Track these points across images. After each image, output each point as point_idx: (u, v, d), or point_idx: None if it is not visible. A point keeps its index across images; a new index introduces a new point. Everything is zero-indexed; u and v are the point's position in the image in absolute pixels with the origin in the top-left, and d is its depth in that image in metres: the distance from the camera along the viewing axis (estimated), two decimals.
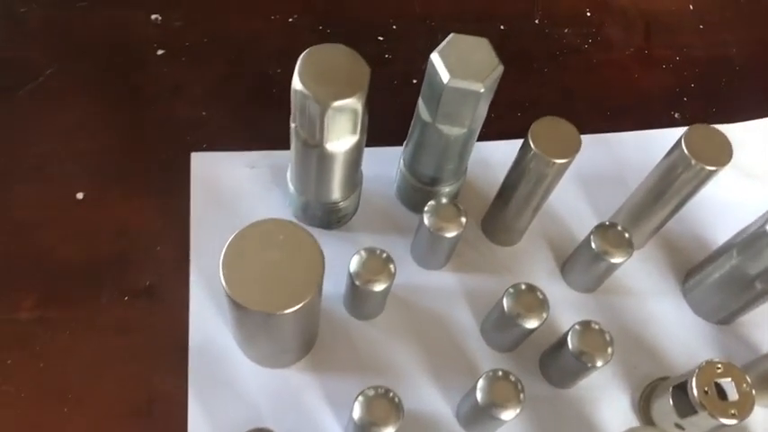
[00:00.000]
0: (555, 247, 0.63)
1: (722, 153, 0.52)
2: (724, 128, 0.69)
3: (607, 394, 0.58)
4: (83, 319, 0.56)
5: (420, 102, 0.53)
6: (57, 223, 0.60)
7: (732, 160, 0.67)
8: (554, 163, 0.51)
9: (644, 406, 0.57)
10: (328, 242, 0.60)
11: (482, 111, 0.52)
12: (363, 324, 0.58)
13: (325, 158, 0.51)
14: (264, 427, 0.51)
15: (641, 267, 0.63)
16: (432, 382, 0.57)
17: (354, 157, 0.53)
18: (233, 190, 0.62)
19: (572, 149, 0.51)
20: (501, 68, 0.49)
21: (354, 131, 0.50)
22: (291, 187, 0.58)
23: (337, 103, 0.46)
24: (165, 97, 0.66)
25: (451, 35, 0.50)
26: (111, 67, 0.67)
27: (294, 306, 0.45)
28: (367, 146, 0.64)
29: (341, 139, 0.50)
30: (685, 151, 0.52)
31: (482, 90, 0.48)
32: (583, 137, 0.67)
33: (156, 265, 0.59)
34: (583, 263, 0.58)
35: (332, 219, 0.60)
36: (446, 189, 0.60)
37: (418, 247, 0.60)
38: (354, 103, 0.47)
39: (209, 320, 0.57)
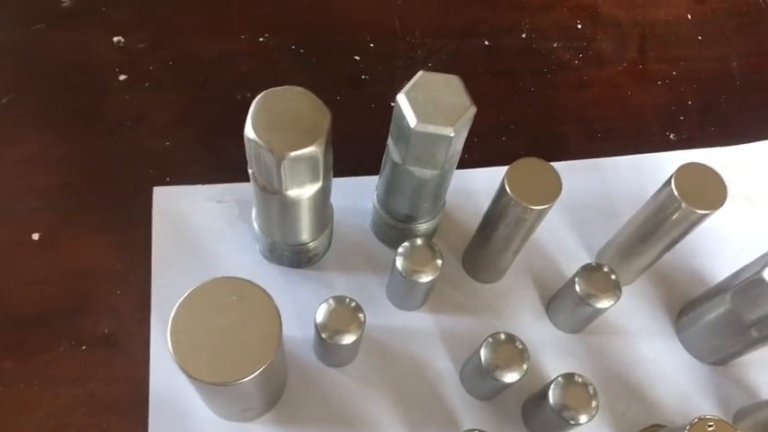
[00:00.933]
0: (540, 285, 0.59)
1: (716, 195, 0.49)
2: (723, 150, 0.65)
3: None
4: (39, 370, 0.53)
5: (390, 141, 0.49)
6: (11, 267, 0.56)
7: (730, 186, 0.64)
8: (532, 209, 0.47)
9: None
10: (298, 282, 0.58)
11: (455, 151, 0.48)
12: (334, 372, 0.55)
13: (286, 205, 0.48)
14: None
15: (632, 305, 0.59)
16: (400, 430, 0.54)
17: (320, 201, 0.50)
18: (197, 227, 0.59)
19: (552, 195, 0.47)
20: (473, 110, 0.45)
21: (316, 179, 0.46)
22: (256, 227, 0.55)
23: (294, 154, 0.42)
24: (126, 126, 0.62)
25: (420, 73, 0.46)
26: (71, 95, 0.63)
27: (249, 375, 0.42)
28: (342, 175, 0.61)
29: (302, 186, 0.46)
30: (675, 193, 0.48)
31: (452, 134, 0.44)
32: (572, 162, 0.64)
33: (115, 310, 0.55)
34: (567, 305, 0.55)
35: (301, 258, 0.56)
36: (422, 226, 0.56)
37: (393, 289, 0.56)
38: (313, 152, 0.43)
39: (170, 371, 0.53)
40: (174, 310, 0.43)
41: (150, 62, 0.65)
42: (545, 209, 0.48)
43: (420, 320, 0.58)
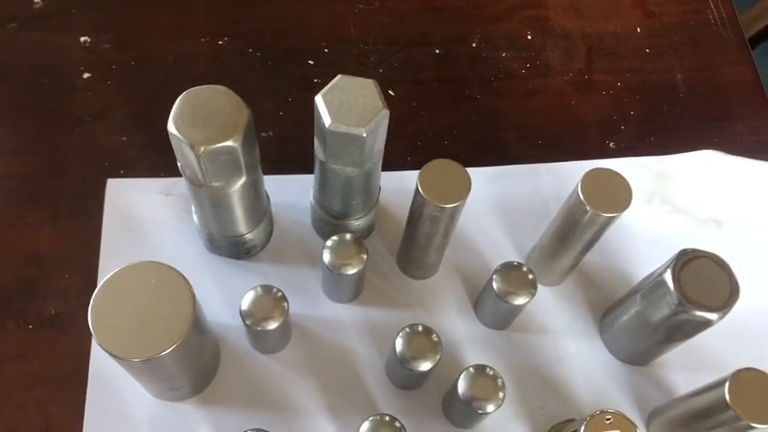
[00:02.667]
0: (470, 283, 0.62)
1: (621, 199, 0.51)
2: (656, 159, 0.68)
3: None
4: None
5: (315, 140, 0.52)
6: None
7: (662, 193, 0.66)
8: (444, 208, 0.50)
9: None
10: (237, 273, 0.61)
11: (373, 152, 0.51)
12: (266, 358, 0.58)
13: (215, 197, 0.51)
14: None
15: (558, 305, 0.62)
16: (330, 419, 0.56)
17: (249, 195, 0.53)
18: (145, 218, 0.62)
19: (462, 193, 0.50)
20: (386, 112, 0.48)
21: (239, 173, 0.49)
22: (195, 219, 0.58)
23: (211, 148, 0.46)
24: (87, 122, 0.66)
25: (339, 77, 0.49)
26: (36, 91, 0.67)
27: (163, 351, 0.45)
28: (288, 172, 0.65)
29: (227, 180, 0.49)
30: (581, 197, 0.51)
31: (365, 134, 0.47)
32: (508, 167, 0.67)
33: (63, 293, 0.59)
34: (489, 302, 0.57)
35: (240, 250, 0.60)
36: (356, 223, 0.59)
37: (325, 281, 0.59)
38: (230, 146, 0.46)
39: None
40: (95, 292, 0.46)
41: (114, 62, 0.69)
42: (456, 207, 0.50)
43: (352, 313, 0.60)
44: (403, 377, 0.56)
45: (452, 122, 0.69)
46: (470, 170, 0.65)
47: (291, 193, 0.64)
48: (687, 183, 0.66)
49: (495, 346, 0.60)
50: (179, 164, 0.50)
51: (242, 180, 0.50)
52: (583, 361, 0.60)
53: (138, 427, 0.55)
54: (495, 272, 0.55)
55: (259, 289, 0.53)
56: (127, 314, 0.46)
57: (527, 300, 0.55)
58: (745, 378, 0.48)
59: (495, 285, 0.55)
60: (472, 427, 0.57)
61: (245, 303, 0.53)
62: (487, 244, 0.64)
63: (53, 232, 0.61)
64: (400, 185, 0.64)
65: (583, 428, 0.50)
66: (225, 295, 0.59)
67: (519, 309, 0.56)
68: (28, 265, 0.60)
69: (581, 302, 0.62)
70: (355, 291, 0.60)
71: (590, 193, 0.51)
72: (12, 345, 0.57)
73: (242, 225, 0.56)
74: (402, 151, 0.67)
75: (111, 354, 0.45)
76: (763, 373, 0.48)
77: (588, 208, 0.51)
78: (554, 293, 0.62)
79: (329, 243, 0.55)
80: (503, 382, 0.52)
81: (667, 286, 0.50)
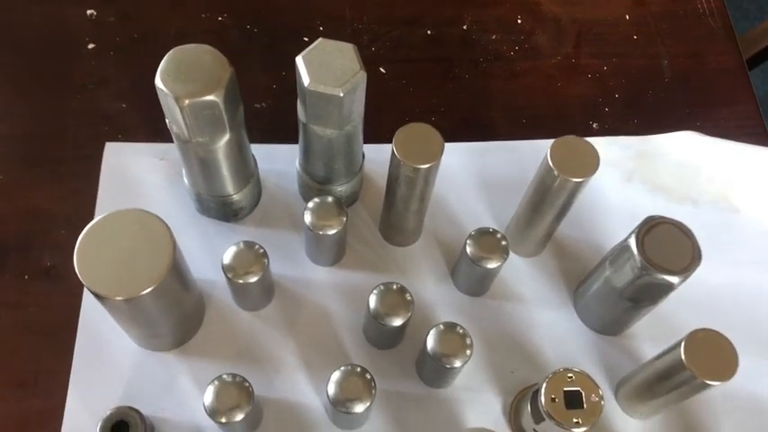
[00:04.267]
0: (448, 252, 0.64)
1: (588, 164, 0.53)
2: (637, 139, 0.69)
3: (480, 397, 0.59)
4: None
5: (298, 102, 0.55)
6: None
7: (641, 171, 0.68)
8: (418, 169, 0.52)
9: (515, 410, 0.58)
10: (224, 234, 0.63)
11: (351, 114, 0.53)
12: (248, 315, 0.61)
13: (200, 153, 0.54)
14: (130, 406, 0.54)
15: (533, 275, 0.64)
16: (307, 374, 0.59)
17: (234, 154, 0.55)
18: (140, 180, 0.65)
19: (435, 155, 0.52)
20: (363, 74, 0.50)
21: (223, 129, 0.52)
22: (186, 181, 0.61)
23: (193, 101, 0.48)
24: (89, 89, 0.69)
25: (319, 40, 0.51)
26: (42, 58, 0.70)
27: (143, 291, 0.48)
28: (279, 142, 0.67)
29: (210, 136, 0.52)
30: (550, 163, 0.53)
31: (341, 94, 0.50)
32: (490, 143, 0.69)
33: (59, 247, 0.62)
34: (464, 267, 0.59)
35: (227, 211, 0.62)
36: (339, 188, 0.62)
37: (307, 244, 0.62)
38: (212, 101, 0.49)
39: (99, 308, 0.59)
40: (81, 235, 0.49)
41: (117, 34, 0.72)
42: (429, 168, 0.52)
43: (333, 276, 0.63)
44: (377, 334, 0.58)
45: (440, 100, 0.71)
46: (454, 145, 0.68)
47: (280, 161, 0.66)
48: (666, 162, 0.68)
49: (471, 311, 0.62)
50: (167, 120, 0.53)
51: (226, 137, 0.53)
52: (555, 329, 0.62)
53: (122, 374, 0.58)
54: (469, 237, 0.57)
55: (241, 244, 0.56)
56: (111, 256, 0.49)
57: (499, 264, 0.57)
58: (700, 338, 0.49)
59: (468, 250, 0.57)
60: (443, 386, 0.59)
61: (227, 257, 0.56)
62: (468, 215, 0.66)
63: (52, 190, 0.64)
64: (386, 158, 0.66)
65: (544, 384, 0.52)
66: (212, 255, 0.62)
67: (492, 273, 0.58)
68: (27, 220, 0.63)
69: (556, 274, 0.64)
70: (336, 254, 0.62)
71: (559, 160, 0.53)
72: (8, 294, 0.60)
73: (228, 185, 0.59)
74: (390, 126, 0.68)
75: (95, 293, 0.48)
76: (717, 332, 0.49)
77: (557, 173, 0.53)
78: (530, 264, 0.64)
79: (310, 205, 0.58)
80: (471, 341, 0.54)
81: (631, 251, 0.52)
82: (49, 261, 0.61)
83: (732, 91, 0.74)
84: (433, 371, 0.56)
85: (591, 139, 0.68)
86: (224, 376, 0.52)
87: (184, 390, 0.57)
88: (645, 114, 0.72)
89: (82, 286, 0.60)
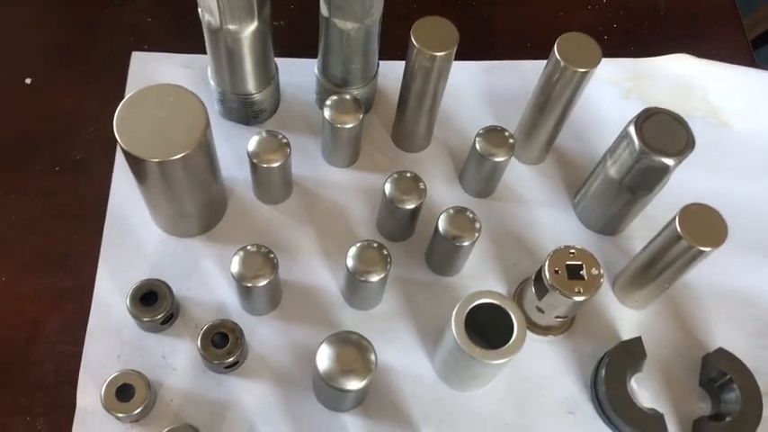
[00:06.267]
0: (456, 158, 0.68)
1: (591, 57, 0.57)
2: (634, 60, 0.74)
3: (485, 284, 0.62)
4: (14, 184, 0.63)
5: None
6: (5, 103, 0.67)
7: (637, 90, 0.72)
8: (434, 56, 0.56)
9: (518, 295, 0.62)
10: (246, 136, 0.66)
11: (372, 6, 0.57)
12: (269, 208, 0.64)
13: (229, 43, 0.57)
14: (159, 279, 0.57)
15: (537, 180, 0.68)
16: (323, 261, 0.62)
17: (259, 45, 0.59)
18: None
19: (451, 43, 0.56)
20: None
21: (252, 16, 0.56)
22: (211, 81, 0.64)
23: None
24: (115, 5, 0.72)
25: None
26: None
27: (178, 154, 0.51)
28: (293, 56, 0.71)
29: (240, 23, 0.56)
30: (557, 55, 0.57)
31: None
32: (496, 62, 0.73)
33: (87, 143, 0.65)
34: (472, 165, 0.63)
35: (248, 113, 0.66)
36: (355, 92, 0.65)
37: (325, 143, 0.65)
38: None
39: (128, 191, 0.63)
40: (121, 104, 0.53)
41: None
42: (445, 55, 0.56)
43: (348, 176, 0.66)
44: (391, 220, 0.61)
45: None
46: (462, 63, 0.72)
47: (298, 74, 0.70)
48: (661, 81, 0.72)
49: (477, 211, 0.64)
50: (199, 10, 0.56)
51: (254, 25, 0.56)
52: (556, 229, 0.66)
53: (149, 256, 0.61)
54: (478, 134, 0.61)
55: (264, 133, 0.60)
56: (147, 125, 0.52)
57: (505, 158, 0.61)
58: (692, 211, 0.53)
59: (477, 145, 0.61)
60: (451, 273, 0.62)
61: (252, 144, 0.59)
62: (474, 126, 0.68)
63: (82, 93, 0.68)
64: (397, 74, 0.70)
65: (548, 258, 0.55)
66: (234, 154, 0.65)
67: (499, 168, 0.62)
68: (58, 118, 0.66)
69: (558, 180, 0.68)
70: (351, 154, 0.66)
71: (565, 53, 0.57)
72: (39, 183, 0.63)
73: (251, 83, 0.62)
74: (400, 45, 0.72)
75: (132, 156, 0.51)
76: (708, 206, 0.53)
77: (563, 64, 0.56)
78: (533, 171, 0.68)
79: (329, 102, 0.61)
80: (480, 225, 0.58)
81: (631, 137, 0.56)
82: (78, 155, 0.65)
83: (725, 28, 0.78)
84: (444, 253, 0.60)
85: None
86: (249, 247, 0.55)
87: (208, 271, 0.61)
88: (641, 43, 0.76)
89: (110, 176, 0.64)
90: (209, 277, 0.61)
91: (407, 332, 0.60)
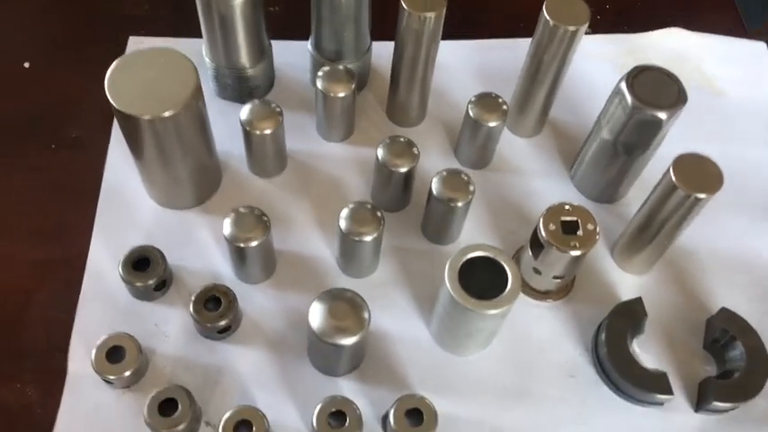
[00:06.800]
0: (451, 133, 0.68)
1: (580, 15, 0.57)
2: (628, 36, 0.74)
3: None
4: (11, 161, 0.64)
5: None
6: (4, 85, 0.67)
7: (632, 65, 0.72)
8: (424, 18, 0.57)
9: (515, 261, 0.61)
10: (239, 111, 0.67)
11: None
12: (263, 181, 0.64)
13: (221, 10, 0.58)
14: (152, 245, 0.57)
15: (533, 152, 0.67)
16: (318, 231, 0.62)
17: (251, 15, 0.59)
18: None
19: (440, 4, 0.56)
20: None
21: None
22: (206, 58, 0.65)
23: None
24: None
25: None
26: None
27: (170, 110, 0.51)
28: (288, 38, 0.71)
29: None
30: (546, 16, 0.57)
31: None
32: (489, 41, 0.74)
33: (85, 121, 0.66)
34: (466, 134, 0.63)
35: (243, 90, 0.66)
36: (350, 66, 0.66)
37: (319, 117, 0.65)
38: None
39: (123, 166, 0.63)
40: (113, 65, 0.53)
41: None
42: (436, 17, 0.57)
43: (343, 150, 0.66)
44: (385, 187, 0.61)
45: None
46: (455, 42, 0.72)
47: (294, 55, 0.70)
48: (655, 55, 0.72)
49: (474, 181, 0.65)
50: None
51: None
52: (553, 198, 0.64)
53: (142, 227, 0.61)
54: (470, 102, 0.61)
55: (257, 101, 0.60)
56: (138, 84, 0.52)
57: (499, 123, 0.61)
58: (686, 160, 0.53)
59: (470, 112, 0.61)
60: (447, 241, 0.62)
61: (245, 112, 0.59)
62: (465, 100, 0.69)
63: (79, 76, 0.68)
64: (391, 54, 0.71)
65: (543, 215, 0.55)
66: (229, 131, 0.65)
67: (494, 134, 0.62)
68: (56, 99, 0.67)
69: (554, 152, 0.68)
70: (346, 127, 0.66)
71: (553, 13, 0.57)
72: (35, 160, 0.64)
73: (244, 56, 0.63)
74: (391, 25, 0.73)
75: (123, 114, 0.51)
76: (701, 155, 0.53)
77: (552, 23, 0.57)
78: (529, 143, 0.68)
79: (321, 73, 0.62)
80: (474, 189, 0.57)
81: (623, 93, 0.56)
82: (74, 133, 0.65)
83: (720, 5, 0.79)
84: (439, 218, 0.59)
85: (587, 37, 0.73)
86: (241, 209, 0.55)
87: (202, 242, 0.61)
88: (633, 23, 0.76)
89: (105, 154, 0.64)
90: (203, 247, 0.60)
91: (404, 299, 0.60)
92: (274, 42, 0.68)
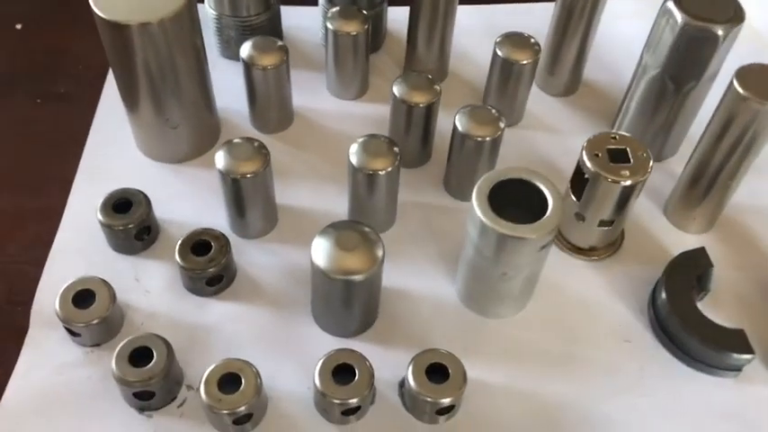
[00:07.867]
0: (473, 88, 0.62)
1: None
2: None
3: None
4: None
5: None
6: None
7: None
8: None
9: None
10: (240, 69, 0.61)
11: None
12: (267, 138, 0.57)
13: None
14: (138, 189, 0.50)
15: (568, 110, 0.61)
16: (325, 187, 0.55)
17: None
18: None
19: None
20: None
21: None
22: (208, 8, 0.60)
23: None
24: None
25: None
26: None
27: (158, 16, 0.46)
28: (299, 4, 0.67)
29: None
30: None
31: None
32: (506, 5, 0.70)
33: (75, 78, 0.61)
34: (494, 79, 0.57)
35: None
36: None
37: (329, 70, 0.59)
38: None
39: (112, 120, 0.57)
40: None
41: None
42: None
43: (355, 108, 0.61)
44: (404, 135, 0.54)
45: None
46: (470, 7, 0.67)
47: (305, 20, 0.65)
48: None
49: (508, 141, 0.58)
50: None
51: None
52: None
53: (129, 177, 0.53)
54: (497, 42, 0.55)
55: (259, 37, 0.54)
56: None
57: (530, 61, 0.54)
58: (750, 69, 0.45)
59: (499, 51, 0.55)
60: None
61: (246, 48, 0.54)
62: (487, 61, 0.63)
63: (71, 35, 0.64)
64: (406, 18, 0.65)
65: (585, 145, 0.47)
66: (232, 89, 0.59)
67: (524, 77, 0.56)
68: (47, 57, 0.62)
69: (592, 110, 0.61)
70: (359, 81, 0.59)
71: None
72: (19, 112, 0.59)
73: (248, 2, 0.58)
74: None
75: (111, 23, 0.46)
76: (760, 63, 0.46)
77: None
78: (565, 102, 0.62)
79: (330, 14, 0.57)
80: (504, 123, 0.50)
81: (670, 11, 0.49)
82: (62, 89, 0.60)
83: None
84: (464, 161, 0.51)
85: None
86: (236, 139, 0.48)
87: (195, 195, 0.54)
88: None
89: (93, 111, 0.58)
90: (195, 200, 0.53)
91: (424, 256, 0.51)
92: (285, 8, 0.63)
